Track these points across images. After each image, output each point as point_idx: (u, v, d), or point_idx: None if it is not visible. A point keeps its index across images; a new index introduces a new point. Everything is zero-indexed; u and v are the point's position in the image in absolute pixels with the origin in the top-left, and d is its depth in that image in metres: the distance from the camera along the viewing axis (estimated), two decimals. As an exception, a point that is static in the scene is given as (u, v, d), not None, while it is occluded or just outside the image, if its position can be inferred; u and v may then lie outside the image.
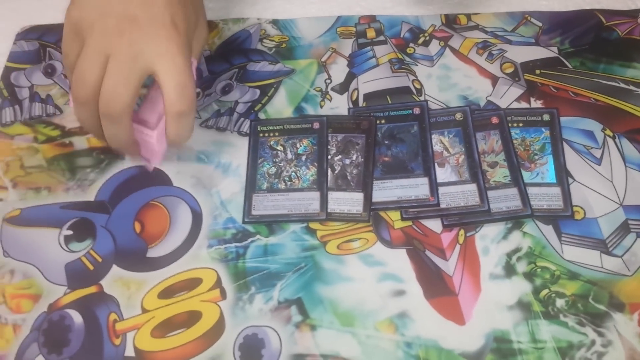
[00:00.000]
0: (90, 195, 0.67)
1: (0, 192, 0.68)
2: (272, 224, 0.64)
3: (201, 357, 0.57)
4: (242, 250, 0.63)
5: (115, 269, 0.62)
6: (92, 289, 0.62)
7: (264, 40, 0.78)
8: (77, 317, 0.60)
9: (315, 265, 0.62)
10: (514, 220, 0.62)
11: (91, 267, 0.63)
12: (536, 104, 0.70)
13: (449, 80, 0.72)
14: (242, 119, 0.72)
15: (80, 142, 0.71)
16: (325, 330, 0.58)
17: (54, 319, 0.60)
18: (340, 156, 0.67)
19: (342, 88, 0.73)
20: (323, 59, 0.76)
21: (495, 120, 0.67)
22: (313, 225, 0.64)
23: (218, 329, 0.59)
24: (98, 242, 0.64)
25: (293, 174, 0.66)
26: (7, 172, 0.69)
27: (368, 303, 0.59)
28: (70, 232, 0.65)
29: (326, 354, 0.57)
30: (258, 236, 0.64)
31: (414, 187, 0.64)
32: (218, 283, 0.61)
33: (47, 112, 0.74)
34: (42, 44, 0.79)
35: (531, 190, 0.63)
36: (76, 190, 0.68)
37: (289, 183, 0.66)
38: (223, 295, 0.60)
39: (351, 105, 0.71)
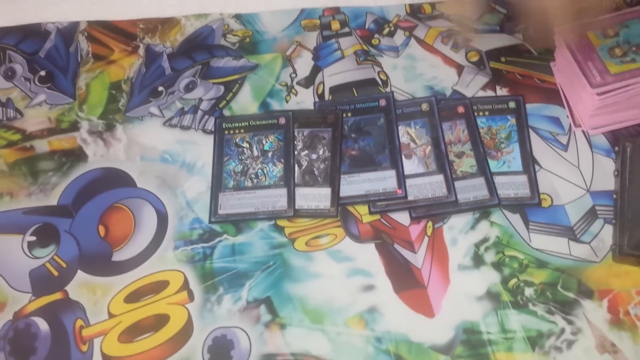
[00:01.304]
0: (53, 200, 0.66)
1: (-39, 200, 0.66)
2: (240, 222, 0.63)
3: (170, 361, 0.57)
4: (209, 250, 0.62)
5: (80, 274, 0.61)
6: (58, 295, 0.60)
7: (227, 36, 0.77)
8: (43, 325, 0.59)
9: (283, 263, 0.61)
10: (482, 210, 0.62)
11: (56, 273, 0.61)
12: (502, 91, 0.69)
13: (415, 71, 0.72)
14: (206, 116, 0.70)
15: (42, 146, 0.70)
16: (295, 328, 0.58)
17: (19, 327, 0.59)
18: (307, 151, 0.66)
19: (308, 82, 0.72)
20: (288, 53, 0.75)
21: (461, 109, 0.67)
22: (281, 222, 0.63)
23: (186, 331, 0.58)
24: (62, 247, 0.63)
25: (260, 171, 0.65)
26: (-32, 179, 0.68)
27: (338, 299, 0.59)
28: (33, 238, 0.64)
29: (296, 353, 0.56)
30: (225, 236, 0.63)
31: (382, 180, 0.63)
32: (185, 285, 0.60)
33: (8, 116, 0.72)
34: (1, 46, 0.77)
35: (498, 179, 0.63)
36: (38, 194, 0.66)
37: (255, 180, 0.65)
38: (191, 297, 0.60)
39: (317, 99, 0.70)
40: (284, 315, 0.58)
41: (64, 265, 0.62)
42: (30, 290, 0.61)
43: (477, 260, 0.60)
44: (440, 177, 0.63)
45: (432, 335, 0.57)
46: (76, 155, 0.68)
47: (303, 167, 0.65)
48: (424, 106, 0.67)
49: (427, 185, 0.63)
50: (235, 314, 0.59)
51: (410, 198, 0.62)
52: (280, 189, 0.64)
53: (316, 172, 0.65)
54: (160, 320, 0.59)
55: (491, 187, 0.62)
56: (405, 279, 0.59)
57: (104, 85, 0.73)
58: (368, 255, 0.61)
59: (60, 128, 0.71)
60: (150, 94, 0.72)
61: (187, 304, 0.59)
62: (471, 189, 0.62)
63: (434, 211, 0.62)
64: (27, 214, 0.65)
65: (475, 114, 0.67)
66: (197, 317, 0.59)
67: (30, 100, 0.73)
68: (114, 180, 0.67)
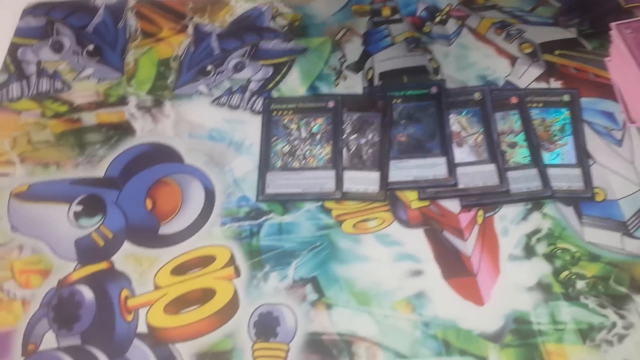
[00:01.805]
0: (99, 172, 0.66)
1: (7, 167, 0.66)
2: (287, 202, 0.63)
3: (215, 334, 0.56)
4: (256, 228, 0.62)
5: (126, 246, 0.61)
6: (103, 265, 0.60)
7: (277, 18, 0.76)
8: (87, 293, 0.59)
9: (330, 244, 0.61)
10: (534, 201, 0.61)
11: (102, 243, 0.61)
12: (555, 84, 0.69)
13: (467, 60, 0.71)
14: (255, 97, 0.70)
15: (89, 118, 0.70)
16: (341, 309, 0.57)
17: (64, 294, 0.59)
18: (355, 135, 0.66)
19: (357, 67, 0.71)
20: (337, 38, 0.74)
21: (514, 100, 0.66)
22: (328, 204, 0.63)
23: (232, 306, 0.58)
24: (109, 218, 0.63)
25: (307, 152, 0.65)
26: (15, 147, 0.68)
27: (385, 283, 0.58)
28: (79, 208, 0.64)
29: (343, 333, 0.56)
30: (272, 215, 0.63)
31: (432, 167, 0.63)
32: (232, 261, 0.60)
33: (55, 87, 0.72)
34: (49, 19, 0.78)
35: (551, 172, 0.62)
36: (85, 166, 0.66)
37: (303, 162, 0.65)
38: (237, 272, 0.59)
39: (366, 85, 0.70)
40: (330, 296, 0.58)
41: (110, 235, 0.62)
42: (76, 258, 0.61)
43: (529, 251, 0.59)
44: (491, 167, 0.62)
45: (481, 323, 0.56)
46: (124, 129, 0.68)
47: (351, 151, 0.65)
48: (476, 95, 0.66)
49: (478, 174, 0.62)
50: (282, 292, 0.58)
51: (460, 186, 0.62)
52: (328, 171, 0.64)
53: (364, 156, 0.64)
54: (206, 294, 0.58)
55: (544, 178, 0.61)
56: (454, 266, 0.59)
57: (153, 61, 0.73)
58: (416, 240, 0.60)
59: (108, 102, 0.71)
60: (199, 72, 0.72)
61: (234, 280, 0.59)
62: (524, 180, 0.62)
63: (485, 200, 0.61)
64: (73, 184, 0.65)
65: (529, 105, 0.66)
66: (243, 293, 0.58)
67: (78, 73, 0.73)
68: (161, 155, 0.67)
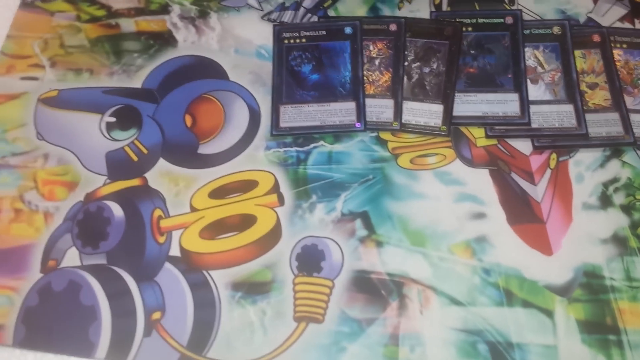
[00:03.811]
0: (136, 82, 0.60)
1: (36, 71, 0.61)
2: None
3: (254, 264, 0.51)
4: (303, 155, 0.56)
5: (162, 163, 0.56)
6: (136, 182, 0.55)
7: None
8: (117, 210, 0.54)
9: (384, 178, 0.55)
10: (614, 147, 0.55)
11: (135, 158, 0.56)
12: (642, 25, 0.62)
13: (546, -8, 0.64)
14: (308, 15, 0.64)
15: (128, 25, 0.64)
16: (392, 248, 0.52)
17: (91, 209, 0.54)
18: (418, 63, 0.59)
19: (424, -10, 0.65)
20: (402, -41, 0.67)
21: (596, 38, 0.60)
22: (384, 135, 0.57)
23: (274, 235, 0.53)
24: (144, 132, 0.57)
25: (365, 78, 0.59)
26: (45, 50, 0.62)
27: (442, 223, 0.53)
28: (113, 119, 0.58)
29: (393, 273, 0.51)
30: (322, 142, 0.57)
31: (502, 103, 0.57)
32: (275, 187, 0.55)
33: (93, -10, 0.66)
34: None
35: (634, 117, 0.56)
36: (121, 75, 0.61)
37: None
38: (281, 200, 0.54)
39: (434, 10, 0.63)
40: (381, 233, 0.53)
41: (145, 151, 0.56)
42: (106, 172, 0.56)
43: (605, 201, 0.53)
44: (569, 107, 0.56)
45: (548, 274, 0.51)
46: (165, 39, 0.63)
47: (413, 80, 0.59)
48: (556, 29, 0.60)
49: (554, 114, 0.56)
50: (328, 225, 0.53)
51: (534, 125, 0.56)
52: (387, 99, 0.58)
53: (427, 87, 0.58)
54: (246, 221, 0.53)
55: (626, 124, 0.55)
56: (521, 211, 0.53)
57: (199, -30, 0.67)
58: (480, 181, 0.55)
59: (149, 9, 0.65)
60: (254, -16, 0.66)
61: (277, 208, 0.54)
62: (604, 124, 0.56)
63: (560, 142, 0.55)
64: (107, 93, 0.60)
65: (612, 45, 0.59)
66: (286, 223, 0.53)
67: (118, -23, 0.67)
68: (204, 69, 0.61)
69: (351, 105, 0.57)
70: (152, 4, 0.65)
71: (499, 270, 0.51)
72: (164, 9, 0.65)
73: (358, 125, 0.56)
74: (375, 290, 0.50)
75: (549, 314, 0.49)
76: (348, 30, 0.61)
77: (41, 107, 0.59)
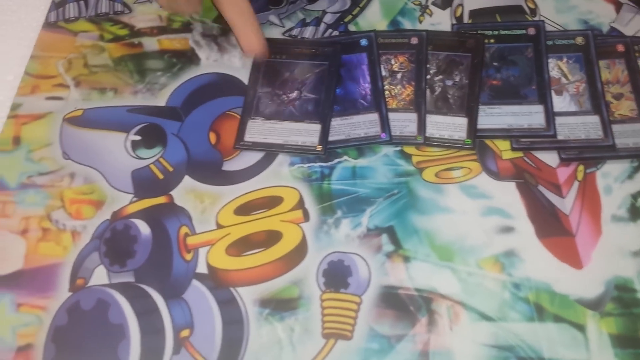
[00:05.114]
0: (160, 100, 0.61)
1: (61, 91, 0.62)
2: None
3: (280, 280, 0.51)
4: (327, 170, 0.56)
5: (187, 180, 0.56)
6: (162, 199, 0.55)
7: (356, -51, 0.70)
8: (144, 228, 0.54)
9: (409, 192, 0.55)
10: (642, 158, 0.55)
11: (161, 176, 0.56)
12: (667, 34, 0.61)
13: (568, 2, 0.64)
14: (329, 30, 0.64)
15: (151, 44, 0.64)
16: (420, 263, 0.52)
17: (118, 227, 0.54)
18: (441, 76, 0.59)
19: (445, 2, 0.65)
20: (422, -28, 0.68)
21: (620, 47, 0.59)
22: (408, 149, 0.57)
23: (300, 251, 0.52)
24: (169, 150, 0.58)
25: (387, 92, 0.59)
26: (70, 70, 0.63)
27: (470, 238, 0.53)
28: (138, 138, 0.59)
29: (421, 289, 0.50)
30: (345, 157, 0.57)
31: (527, 115, 0.56)
32: (300, 203, 0.55)
33: (115, 9, 0.67)
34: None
35: (662, 127, 0.55)
36: (145, 93, 0.61)
37: (381, 102, 0.59)
38: (306, 216, 0.54)
39: (455, 22, 0.63)
40: (408, 248, 0.52)
41: (170, 168, 0.57)
42: (132, 190, 0.56)
43: (634, 213, 0.53)
44: (595, 118, 0.56)
45: (579, 287, 0.50)
46: (188, 57, 0.63)
47: (436, 93, 0.59)
48: (579, 39, 0.60)
49: (579, 126, 0.56)
50: (354, 240, 0.53)
51: (559, 137, 0.55)
52: (410, 113, 0.58)
53: (450, 100, 0.58)
54: (272, 237, 0.53)
55: (654, 134, 0.54)
56: (550, 224, 0.53)
57: (220, -13, 0.67)
58: (507, 194, 0.54)
59: (172, 27, 0.65)
60: (270, 1, 0.66)
61: (302, 223, 0.54)
62: (631, 134, 0.55)
63: (586, 154, 0.55)
64: (132, 112, 0.60)
65: (637, 54, 0.59)
66: (312, 238, 0.53)
67: (140, -4, 0.67)
68: (227, 87, 0.61)
69: (374, 116, 0.57)
70: (174, 22, 0.66)
71: (529, 285, 0.50)
72: (186, 28, 0.65)
73: (383, 136, 0.56)
74: (404, 306, 0.50)
75: (581, 328, 0.49)
76: (364, 42, 0.61)
77: (66, 127, 0.60)
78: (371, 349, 0.48)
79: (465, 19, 0.64)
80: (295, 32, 0.64)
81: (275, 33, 0.64)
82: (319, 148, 0.56)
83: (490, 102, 0.57)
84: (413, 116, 0.58)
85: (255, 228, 0.54)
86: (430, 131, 0.57)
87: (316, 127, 0.57)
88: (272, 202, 0.55)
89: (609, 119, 0.55)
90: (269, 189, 0.56)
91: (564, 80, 0.58)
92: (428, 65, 0.60)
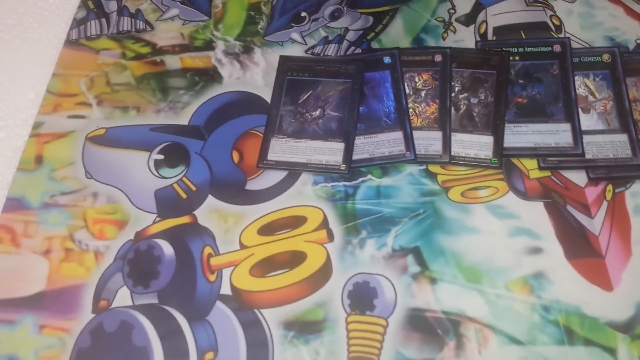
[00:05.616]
0: (183, 119, 0.60)
1: (83, 109, 0.62)
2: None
3: (305, 302, 0.51)
4: (351, 190, 0.56)
5: (210, 200, 0.56)
6: (185, 219, 0.55)
7: (377, -35, 0.69)
8: (167, 248, 0.54)
9: (435, 212, 0.54)
10: (673, 178, 0.54)
11: (184, 196, 0.56)
12: (696, 51, 0.60)
13: (593, 19, 0.63)
14: (352, 47, 0.64)
15: (173, 62, 0.64)
16: (447, 284, 0.51)
17: (141, 248, 0.54)
18: (466, 94, 0.59)
19: (468, 20, 0.64)
20: (445, -12, 0.67)
21: (648, 65, 0.58)
22: (433, 168, 0.56)
23: (325, 272, 0.52)
24: (192, 169, 0.57)
25: (411, 110, 0.58)
26: (92, 88, 0.63)
27: (498, 259, 0.52)
28: (161, 157, 0.58)
29: (449, 312, 0.50)
30: (370, 176, 0.56)
31: (554, 134, 0.55)
32: (324, 223, 0.54)
33: (137, 27, 0.67)
34: (131, -44, 0.72)
35: (692, 146, 0.54)
36: (168, 112, 0.61)
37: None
38: (330, 237, 0.53)
39: (479, 39, 0.63)
40: (434, 269, 0.52)
41: (194, 188, 0.56)
42: (155, 210, 0.56)
43: (665, 233, 0.51)
44: (623, 137, 0.55)
45: (610, 310, 0.49)
46: (210, 75, 0.63)
47: (461, 111, 0.58)
48: (605, 57, 0.59)
49: (608, 144, 0.55)
50: (379, 261, 0.52)
51: (588, 156, 0.54)
52: (434, 131, 0.57)
53: (476, 118, 0.57)
54: (296, 257, 0.53)
55: (685, 153, 0.53)
56: (579, 245, 0.52)
57: (243, 5, 0.68)
58: (535, 214, 0.53)
59: (194, 45, 0.65)
60: (292, 19, 0.66)
61: (326, 244, 0.53)
62: (660, 153, 0.54)
63: (615, 173, 0.54)
64: (154, 130, 0.60)
65: (665, 71, 0.58)
66: (336, 259, 0.52)
67: (162, 14, 0.68)
68: (250, 105, 0.61)
69: (398, 134, 0.57)
70: (197, 40, 0.65)
71: (558, 307, 0.49)
72: (209, 45, 0.65)
73: (408, 154, 0.56)
74: (431, 329, 0.49)
75: (612, 352, 0.48)
76: (387, 59, 0.61)
77: (89, 146, 0.60)
78: (399, 373, 0.47)
79: (490, 36, 0.63)
80: (317, 49, 0.64)
81: (298, 51, 0.64)
82: (343, 167, 0.55)
83: (516, 120, 0.57)
84: (438, 134, 0.57)
85: (279, 248, 0.53)
86: (456, 150, 0.56)
87: (340, 146, 0.56)
88: (296, 222, 0.55)
89: (638, 137, 0.55)
90: (292, 209, 0.55)
91: (590, 98, 0.57)
92: (452, 83, 0.59)
